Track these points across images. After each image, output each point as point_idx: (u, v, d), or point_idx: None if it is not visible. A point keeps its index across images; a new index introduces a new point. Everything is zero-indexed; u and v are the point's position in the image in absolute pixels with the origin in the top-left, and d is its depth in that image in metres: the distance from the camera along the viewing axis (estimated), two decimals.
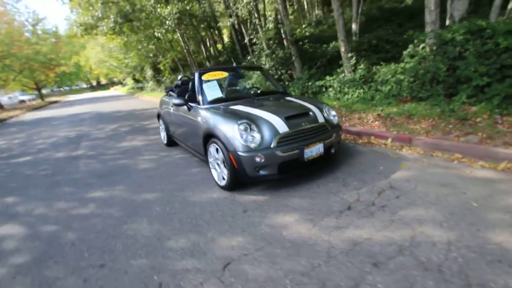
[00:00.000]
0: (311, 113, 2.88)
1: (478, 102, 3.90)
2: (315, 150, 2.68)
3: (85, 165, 4.29)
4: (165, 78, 18.93)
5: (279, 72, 8.51)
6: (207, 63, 15.08)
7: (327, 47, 8.26)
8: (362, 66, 6.61)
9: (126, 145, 5.33)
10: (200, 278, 1.67)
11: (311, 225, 2.09)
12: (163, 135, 4.97)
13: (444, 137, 3.41)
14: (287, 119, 2.65)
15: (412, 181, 2.61)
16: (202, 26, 11.88)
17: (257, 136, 2.50)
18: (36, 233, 2.40)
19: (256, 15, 9.56)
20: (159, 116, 5.01)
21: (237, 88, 4.08)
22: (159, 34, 11.35)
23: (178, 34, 14.26)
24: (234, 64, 4.05)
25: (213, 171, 3.00)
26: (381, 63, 6.28)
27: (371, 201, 2.33)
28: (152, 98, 16.49)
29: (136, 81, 28.97)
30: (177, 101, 3.32)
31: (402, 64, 5.49)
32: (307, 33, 7.90)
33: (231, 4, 9.40)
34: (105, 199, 2.95)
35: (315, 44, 8.54)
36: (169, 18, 9.68)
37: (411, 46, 5.71)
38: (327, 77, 6.99)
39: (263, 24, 10.02)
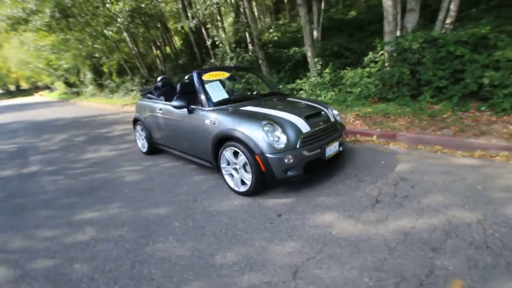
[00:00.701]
0: (323, 112, 2.95)
1: (440, 101, 4.54)
2: (333, 148, 2.75)
3: (51, 183, 3.58)
4: (109, 81, 17.16)
5: (247, 76, 8.52)
6: (163, 67, 14.21)
7: (287, 52, 8.62)
8: (327, 70, 7.07)
9: (93, 157, 4.64)
10: None
11: (353, 221, 2.12)
12: (141, 143, 4.49)
13: (423, 132, 3.86)
14: (306, 119, 2.66)
15: (416, 172, 2.87)
16: (157, 26, 11.13)
17: (282, 136, 2.44)
18: (29, 273, 1.90)
19: (219, 18, 9.42)
20: (135, 122, 4.50)
21: (234, 89, 3.94)
22: (110, 33, 10.23)
23: (125, 34, 13.13)
24: (232, 65, 3.89)
25: (227, 177, 2.82)
26: (347, 67, 6.81)
27: (392, 193, 2.49)
28: (95, 104, 14.77)
29: (69, 85, 25.60)
30: (176, 103, 3.03)
31: (367, 69, 6.04)
32: (275, 38, 8.11)
33: (192, 6, 9.07)
34: (103, 220, 2.51)
35: (278, 48, 8.82)
36: (120, 16, 8.81)
37: (371, 53, 6.35)
38: (298, 81, 7.28)
39: (226, 27, 9.94)
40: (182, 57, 11.93)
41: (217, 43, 9.31)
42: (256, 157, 2.41)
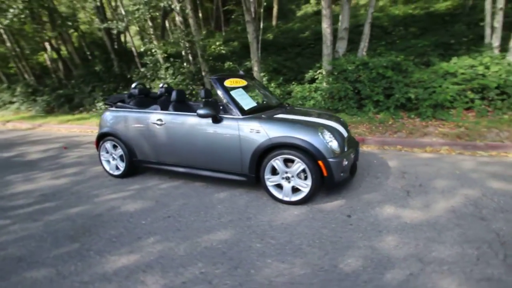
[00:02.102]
0: (341, 119, 3.25)
1: (381, 111, 5.71)
2: (359, 151, 3.08)
3: (13, 232, 2.39)
4: None
5: (190, 88, 8.09)
6: (62, 73, 11.55)
7: (232, 65, 8.76)
8: (273, 84, 7.65)
9: (34, 188, 3.35)
10: None
11: (409, 209, 2.46)
12: (110, 164, 3.59)
13: (383, 136, 4.77)
14: (342, 125, 2.90)
15: (407, 166, 3.55)
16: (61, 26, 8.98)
17: (334, 141, 2.57)
18: None
19: (150, 24, 8.61)
20: (102, 139, 3.56)
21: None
22: None
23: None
24: (241, 72, 3.67)
25: (272, 189, 2.68)
26: (293, 83, 7.54)
27: (411, 184, 3.00)
28: None
29: None
30: (204, 112, 2.68)
31: (314, 84, 6.90)
32: (223, 51, 8.06)
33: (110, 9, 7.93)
34: (155, 263, 1.91)
35: (222, 62, 8.82)
36: (14, 6, 6.72)
37: (311, 71, 7.34)
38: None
39: (156, 34, 9.14)
40: (97, 64, 10.10)
41: (148, 52, 8.45)
42: (319, 162, 2.44)
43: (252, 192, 2.95)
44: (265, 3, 11.01)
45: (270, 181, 2.68)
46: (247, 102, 2.94)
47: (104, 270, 1.85)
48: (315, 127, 2.55)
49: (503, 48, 5.70)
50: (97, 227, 2.41)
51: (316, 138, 2.48)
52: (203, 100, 3.01)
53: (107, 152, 3.60)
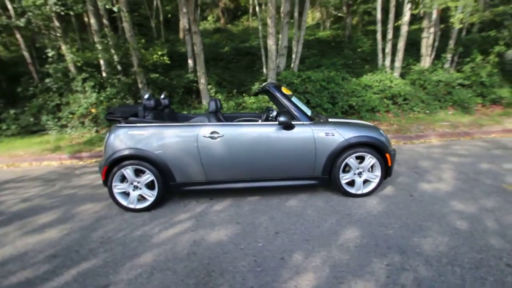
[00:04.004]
0: None
1: None
2: None
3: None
4: None
5: (127, 102, 6.90)
6: None
7: (174, 77, 8.05)
8: (220, 96, 7.69)
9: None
10: None
11: (449, 190, 3.29)
12: (129, 198, 2.81)
13: None
14: None
15: (413, 158, 4.52)
16: None
17: (386, 136, 3.11)
18: None
19: (57, 24, 6.80)
20: (117, 164, 2.72)
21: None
22: None
23: None
24: (273, 81, 3.58)
25: (346, 186, 2.93)
26: (244, 94, 7.77)
27: (432, 173, 3.91)
28: None
29: None
30: (284, 119, 2.67)
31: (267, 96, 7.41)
32: (166, 61, 7.21)
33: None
34: (334, 268, 1.80)
35: (155, 72, 7.96)
36: None
37: (257, 83, 7.88)
38: (194, 110, 7.13)
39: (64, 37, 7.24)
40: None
41: (51, 59, 6.64)
42: (386, 154, 2.90)
43: (316, 194, 3.08)
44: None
45: (344, 178, 2.92)
46: (305, 109, 3.07)
47: None
48: (375, 126, 3.01)
49: (391, 67, 8.05)
50: (220, 265, 1.94)
51: (381, 135, 2.95)
52: (268, 109, 2.94)
53: (124, 181, 2.78)
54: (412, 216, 2.51)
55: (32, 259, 2.14)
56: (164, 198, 3.01)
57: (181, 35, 13.84)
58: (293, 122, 2.82)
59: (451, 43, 7.71)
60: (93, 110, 6.56)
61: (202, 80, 7.44)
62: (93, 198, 3.30)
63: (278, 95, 2.92)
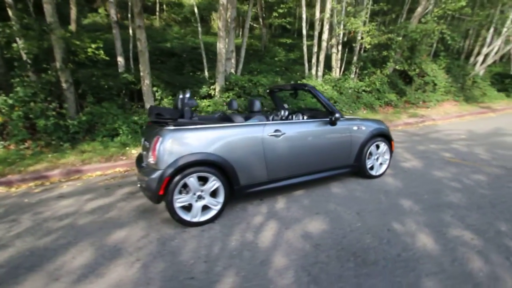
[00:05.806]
0: None
1: None
2: None
3: None
4: None
5: (52, 105, 5.29)
6: None
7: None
8: (166, 100, 7.14)
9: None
10: None
11: (460, 174, 4.37)
12: (192, 211, 2.41)
13: None
14: None
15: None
16: None
17: None
18: None
19: None
20: (179, 173, 2.26)
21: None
22: None
23: None
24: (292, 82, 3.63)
25: (369, 170, 3.51)
26: (195, 97, 7.34)
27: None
28: None
29: None
30: (339, 114, 3.12)
31: (223, 98, 7.33)
32: (104, 57, 5.74)
33: None
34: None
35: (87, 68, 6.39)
36: None
37: (204, 86, 7.76)
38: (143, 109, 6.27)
39: None
40: None
41: None
42: (392, 142, 3.67)
43: (344, 182, 3.52)
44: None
45: (368, 163, 3.49)
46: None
47: None
48: (381, 120, 3.72)
49: (316, 76, 9.56)
50: (355, 246, 2.04)
51: (386, 127, 3.68)
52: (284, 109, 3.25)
53: (184, 193, 2.35)
54: (420, 185, 3.34)
55: None
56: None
57: (72, 26, 11.25)
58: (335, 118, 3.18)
59: (355, 58, 9.91)
60: None
61: (147, 81, 6.59)
62: (141, 218, 2.54)
63: (319, 94, 3.18)
